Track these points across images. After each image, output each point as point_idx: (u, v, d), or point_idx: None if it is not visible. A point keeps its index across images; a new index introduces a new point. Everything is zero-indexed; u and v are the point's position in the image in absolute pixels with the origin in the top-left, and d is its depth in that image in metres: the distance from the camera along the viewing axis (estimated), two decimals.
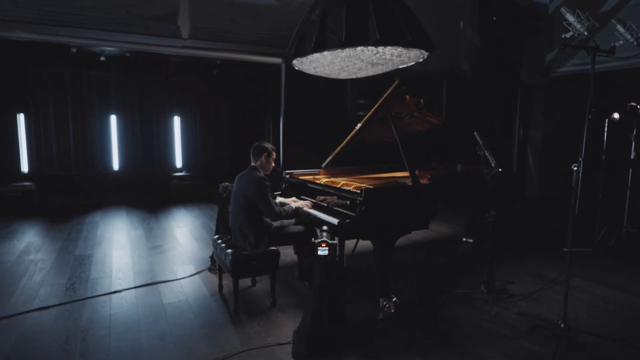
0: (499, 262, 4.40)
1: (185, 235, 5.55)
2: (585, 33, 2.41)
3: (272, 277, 3.26)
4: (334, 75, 4.76)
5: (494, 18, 5.82)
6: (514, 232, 5.76)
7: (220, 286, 3.57)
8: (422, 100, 3.87)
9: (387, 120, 3.71)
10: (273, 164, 3.51)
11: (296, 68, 4.50)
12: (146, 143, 8.14)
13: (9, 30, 3.89)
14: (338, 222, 3.03)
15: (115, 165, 7.89)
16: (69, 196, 7.42)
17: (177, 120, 8.34)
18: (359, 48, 3.68)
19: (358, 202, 3.05)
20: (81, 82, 7.43)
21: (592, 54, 2.52)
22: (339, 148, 4.19)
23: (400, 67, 4.52)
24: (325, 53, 3.81)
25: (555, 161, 7.53)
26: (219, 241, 3.41)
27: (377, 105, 3.59)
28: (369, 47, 3.68)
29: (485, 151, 3.35)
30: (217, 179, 4.86)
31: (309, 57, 3.94)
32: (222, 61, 7.64)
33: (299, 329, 2.62)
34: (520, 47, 6.48)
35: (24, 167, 7.13)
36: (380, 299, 3.23)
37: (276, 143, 7.30)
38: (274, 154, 3.49)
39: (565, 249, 4.96)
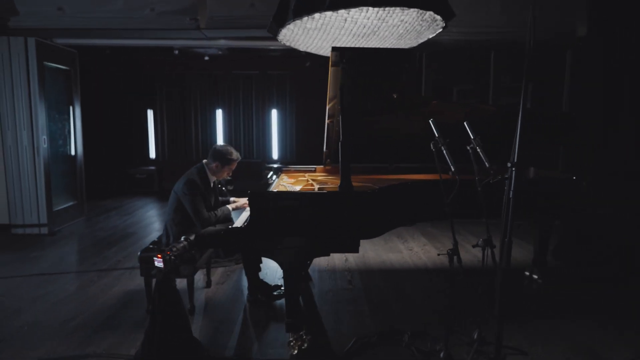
0: (540, 316, 2.95)
1: None
2: None
3: (189, 283, 2.95)
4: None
5: None
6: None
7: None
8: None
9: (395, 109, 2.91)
10: (229, 175, 3.21)
11: (301, 49, 3.96)
12: (247, 135, 8.68)
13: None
14: (230, 229, 2.50)
15: None
16: None
17: (274, 113, 8.62)
18: (317, 16, 2.94)
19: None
20: (193, 81, 8.42)
21: None
22: (324, 146, 3.54)
23: (420, 39, 3.43)
24: (291, 27, 3.19)
25: None
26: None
27: (328, 90, 2.81)
28: (327, 14, 2.89)
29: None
30: None
31: (281, 35, 3.39)
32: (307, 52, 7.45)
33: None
34: None
35: (152, 154, 8.57)
36: (289, 333, 2.54)
37: None
38: (233, 164, 3.14)
39: None
